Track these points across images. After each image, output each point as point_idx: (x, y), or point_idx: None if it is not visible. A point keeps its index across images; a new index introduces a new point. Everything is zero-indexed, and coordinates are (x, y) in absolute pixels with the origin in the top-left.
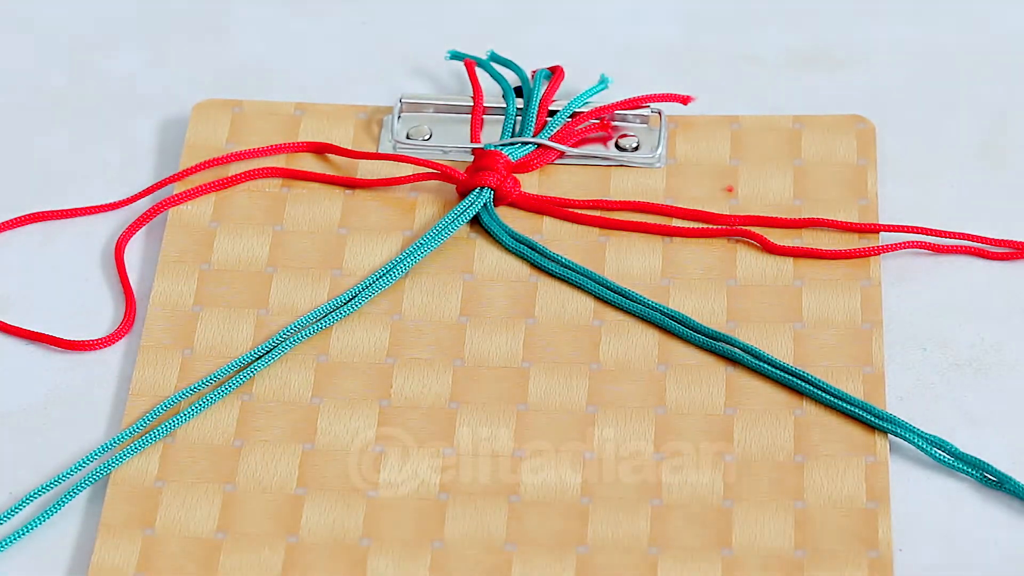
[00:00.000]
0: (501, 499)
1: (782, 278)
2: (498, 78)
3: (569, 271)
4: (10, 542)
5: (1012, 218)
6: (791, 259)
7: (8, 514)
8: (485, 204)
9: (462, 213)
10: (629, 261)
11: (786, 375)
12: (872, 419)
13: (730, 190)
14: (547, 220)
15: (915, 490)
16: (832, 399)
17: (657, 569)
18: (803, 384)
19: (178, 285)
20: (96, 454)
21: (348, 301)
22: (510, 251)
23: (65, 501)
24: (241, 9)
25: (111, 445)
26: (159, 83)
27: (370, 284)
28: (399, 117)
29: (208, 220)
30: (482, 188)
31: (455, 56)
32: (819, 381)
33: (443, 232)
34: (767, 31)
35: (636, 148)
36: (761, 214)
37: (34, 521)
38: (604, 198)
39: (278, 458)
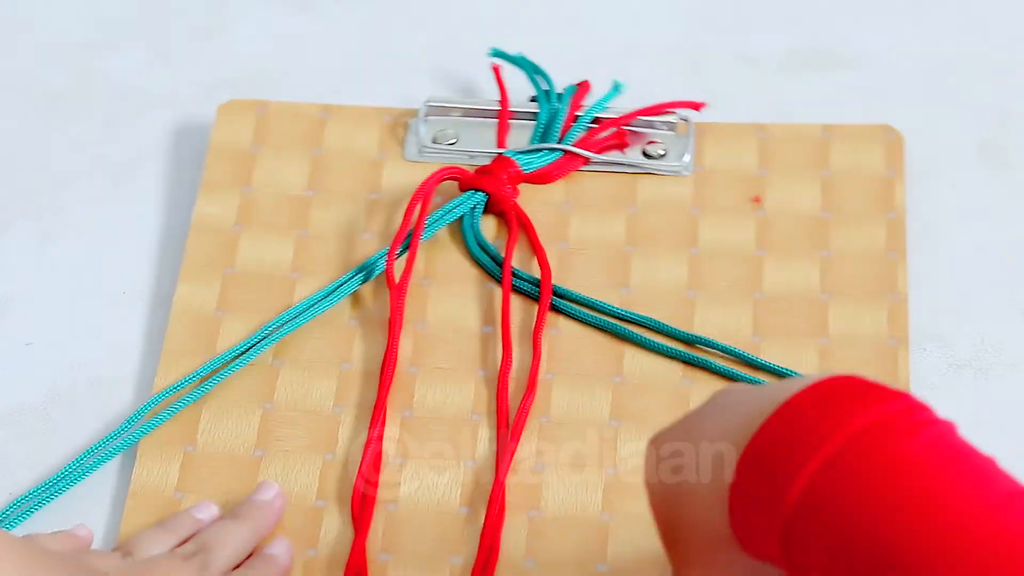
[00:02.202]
0: (520, 514)
1: (809, 290)
2: (534, 82)
3: (523, 282)
4: (34, 510)
5: (1012, 218)
6: (818, 271)
7: (33, 492)
8: (473, 207)
9: (448, 212)
10: (655, 273)
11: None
12: None
13: (757, 200)
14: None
15: None
16: None
17: None
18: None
19: (201, 289)
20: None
21: (341, 285)
22: (473, 259)
23: (95, 467)
24: (242, 9)
25: (141, 414)
26: (159, 83)
27: (353, 276)
28: (425, 121)
29: (232, 223)
30: (475, 191)
31: (497, 54)
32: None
33: (430, 229)
34: (767, 31)
35: (663, 156)
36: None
37: (60, 486)
38: (631, 206)
39: (299, 468)
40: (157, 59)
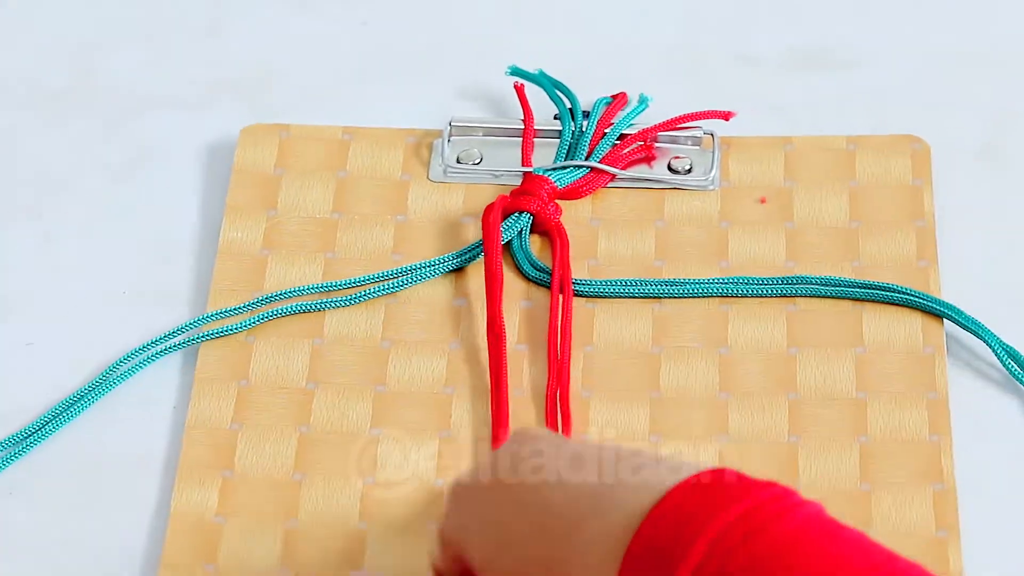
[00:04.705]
0: None
1: (842, 300)
2: (556, 100)
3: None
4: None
5: (1012, 220)
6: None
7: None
8: (520, 231)
9: (503, 235)
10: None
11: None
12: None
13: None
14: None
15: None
16: None
17: None
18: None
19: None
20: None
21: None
22: (530, 280)
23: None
24: (242, 9)
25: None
26: (159, 83)
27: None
28: (449, 141)
29: (259, 248)
30: (521, 213)
31: (515, 72)
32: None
33: (475, 257)
34: (767, 31)
35: (689, 170)
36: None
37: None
38: (659, 221)
39: (339, 491)
40: (157, 59)
